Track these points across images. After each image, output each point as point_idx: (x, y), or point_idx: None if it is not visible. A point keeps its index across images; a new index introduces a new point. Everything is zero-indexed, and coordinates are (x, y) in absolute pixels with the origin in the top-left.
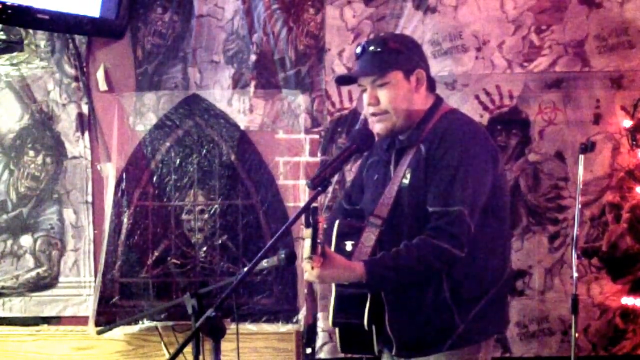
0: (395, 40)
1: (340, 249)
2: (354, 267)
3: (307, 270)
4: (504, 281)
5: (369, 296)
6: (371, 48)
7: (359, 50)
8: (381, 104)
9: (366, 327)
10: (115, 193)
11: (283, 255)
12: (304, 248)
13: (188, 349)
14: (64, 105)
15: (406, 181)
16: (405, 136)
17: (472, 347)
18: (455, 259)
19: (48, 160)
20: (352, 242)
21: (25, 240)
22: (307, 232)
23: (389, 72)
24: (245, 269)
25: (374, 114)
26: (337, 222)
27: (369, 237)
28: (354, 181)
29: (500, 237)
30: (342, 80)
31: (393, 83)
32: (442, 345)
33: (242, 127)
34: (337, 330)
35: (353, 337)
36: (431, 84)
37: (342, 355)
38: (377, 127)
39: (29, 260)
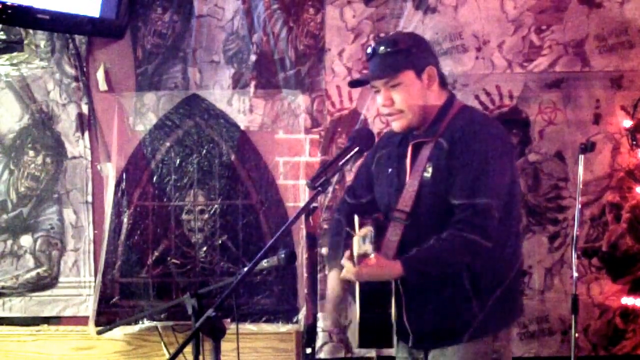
0: (405, 40)
1: None
2: (393, 265)
3: (347, 268)
4: (516, 272)
5: (393, 289)
6: (381, 49)
7: (369, 51)
8: (395, 104)
9: (394, 319)
10: (115, 193)
11: (283, 255)
12: (355, 245)
13: (188, 349)
14: (64, 105)
15: (427, 175)
16: (422, 131)
17: (489, 338)
18: (484, 250)
19: (48, 160)
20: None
21: (25, 240)
22: (365, 230)
23: (401, 73)
24: (245, 269)
25: (389, 114)
26: (356, 218)
27: (395, 231)
28: (359, 176)
29: (514, 229)
30: (354, 84)
31: (406, 83)
32: (460, 337)
33: (242, 127)
34: (357, 326)
35: (374, 331)
36: (442, 80)
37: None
38: (394, 126)
39: (29, 260)
